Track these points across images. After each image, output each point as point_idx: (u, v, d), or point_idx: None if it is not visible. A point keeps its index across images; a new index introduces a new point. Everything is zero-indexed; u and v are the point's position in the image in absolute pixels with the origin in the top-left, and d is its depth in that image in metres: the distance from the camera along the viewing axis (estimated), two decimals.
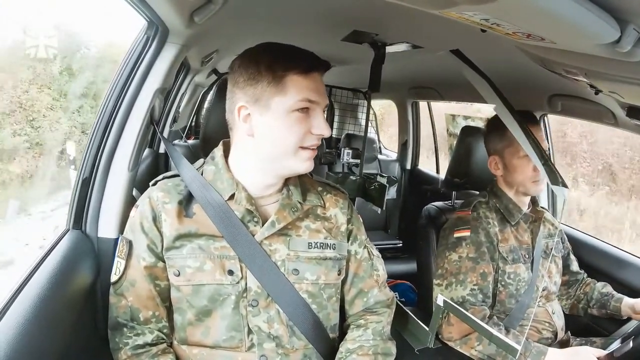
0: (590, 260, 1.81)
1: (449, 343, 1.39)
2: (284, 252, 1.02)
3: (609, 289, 1.59)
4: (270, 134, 0.97)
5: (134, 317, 1.00)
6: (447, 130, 3.63)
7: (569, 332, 1.55)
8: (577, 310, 1.64)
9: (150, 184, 1.07)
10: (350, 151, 3.16)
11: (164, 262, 1.00)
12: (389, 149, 4.59)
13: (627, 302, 1.50)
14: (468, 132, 1.84)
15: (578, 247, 1.81)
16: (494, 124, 1.51)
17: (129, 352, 0.99)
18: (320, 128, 0.98)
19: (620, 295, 1.55)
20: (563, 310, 1.60)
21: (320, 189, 1.14)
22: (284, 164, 0.99)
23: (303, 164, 1.00)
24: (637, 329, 1.24)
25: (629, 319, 1.51)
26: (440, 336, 1.40)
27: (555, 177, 1.04)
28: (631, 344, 1.16)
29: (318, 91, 0.97)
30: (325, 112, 1.05)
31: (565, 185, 1.03)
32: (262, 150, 0.99)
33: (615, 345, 1.24)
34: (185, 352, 1.01)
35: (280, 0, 1.30)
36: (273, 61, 0.94)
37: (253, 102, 0.96)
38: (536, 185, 1.49)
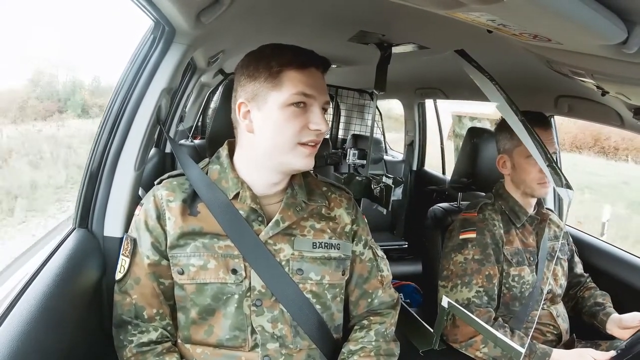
0: (595, 262, 1.80)
1: (454, 345, 1.38)
2: (288, 251, 1.02)
3: (606, 300, 1.56)
4: (267, 129, 0.97)
5: (138, 314, 1.01)
6: (454, 131, 3.61)
7: (574, 334, 1.53)
8: (575, 312, 1.63)
9: (155, 182, 1.08)
10: (356, 152, 3.15)
11: (168, 260, 1.01)
12: (395, 150, 4.58)
13: (614, 317, 1.46)
14: (474, 133, 1.83)
15: (583, 248, 1.80)
16: (505, 123, 1.50)
17: (134, 350, 0.99)
18: (317, 123, 0.97)
19: (611, 310, 1.50)
20: (568, 313, 1.58)
21: (325, 189, 1.14)
22: (282, 160, 0.99)
23: (302, 161, 0.99)
24: None
25: None
26: (445, 338, 1.39)
27: (559, 179, 1.03)
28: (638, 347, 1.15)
29: (315, 86, 0.97)
30: (331, 112, 1.05)
31: (570, 188, 1.02)
32: (260, 145, 0.99)
33: (619, 350, 1.22)
34: (189, 351, 1.01)
35: (287, 0, 1.30)
36: (271, 58, 0.96)
37: (251, 98, 0.98)
38: (542, 188, 1.47)
